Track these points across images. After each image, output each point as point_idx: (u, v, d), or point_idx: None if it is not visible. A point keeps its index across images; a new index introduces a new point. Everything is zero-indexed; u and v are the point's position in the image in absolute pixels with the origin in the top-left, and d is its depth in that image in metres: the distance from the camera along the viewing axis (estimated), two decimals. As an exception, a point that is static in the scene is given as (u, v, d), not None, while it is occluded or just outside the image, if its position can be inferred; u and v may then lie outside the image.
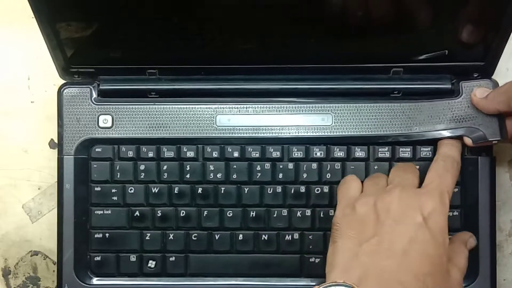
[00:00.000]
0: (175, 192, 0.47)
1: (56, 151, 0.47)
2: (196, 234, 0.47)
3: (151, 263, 0.47)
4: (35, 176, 0.51)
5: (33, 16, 0.42)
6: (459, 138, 0.45)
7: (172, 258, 0.47)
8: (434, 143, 0.46)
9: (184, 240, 0.47)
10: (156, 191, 0.47)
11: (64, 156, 0.47)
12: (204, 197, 0.47)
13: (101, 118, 0.47)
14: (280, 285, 0.47)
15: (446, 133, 0.45)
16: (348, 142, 0.46)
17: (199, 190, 0.47)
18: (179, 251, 0.47)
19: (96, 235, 0.47)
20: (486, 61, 0.45)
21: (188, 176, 0.47)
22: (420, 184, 0.42)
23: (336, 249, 0.38)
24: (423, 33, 0.44)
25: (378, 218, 0.38)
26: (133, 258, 0.47)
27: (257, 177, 0.47)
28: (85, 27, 0.44)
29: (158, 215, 0.47)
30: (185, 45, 0.45)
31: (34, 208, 0.52)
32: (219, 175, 0.47)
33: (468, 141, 0.45)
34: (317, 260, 0.46)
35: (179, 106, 0.47)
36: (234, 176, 0.47)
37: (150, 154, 0.47)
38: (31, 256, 0.52)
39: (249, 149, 0.47)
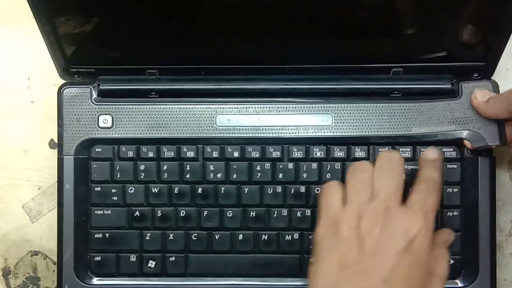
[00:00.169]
0: (175, 192, 0.47)
1: (56, 151, 0.47)
2: (196, 234, 0.47)
3: (151, 263, 0.47)
4: (35, 176, 0.51)
5: (34, 17, 0.42)
6: (458, 140, 0.45)
7: (172, 258, 0.47)
8: (433, 143, 0.46)
9: (184, 240, 0.47)
10: (156, 191, 0.47)
11: (64, 156, 0.47)
12: (204, 197, 0.47)
13: (101, 118, 0.47)
14: (280, 285, 0.47)
15: (445, 135, 0.45)
16: (348, 142, 0.46)
17: (199, 190, 0.47)
18: (179, 251, 0.47)
19: (96, 235, 0.47)
20: (486, 61, 0.45)
21: (188, 176, 0.47)
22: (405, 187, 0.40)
23: (318, 270, 0.38)
24: (423, 33, 0.44)
25: (362, 244, 0.37)
26: (133, 258, 0.47)
27: (257, 177, 0.47)
28: (85, 27, 0.44)
29: (158, 215, 0.47)
30: (185, 45, 0.45)
31: (34, 208, 0.52)
32: (219, 175, 0.47)
33: (467, 144, 0.45)
34: (317, 260, 0.46)
35: (179, 106, 0.47)
36: (234, 176, 0.47)
37: (150, 154, 0.47)
38: (31, 256, 0.52)
39: (249, 149, 0.47)
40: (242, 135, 0.46)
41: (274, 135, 0.46)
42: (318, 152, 0.47)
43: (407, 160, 0.46)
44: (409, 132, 0.46)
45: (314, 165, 0.46)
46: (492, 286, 0.45)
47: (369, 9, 0.42)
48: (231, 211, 0.47)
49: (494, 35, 0.43)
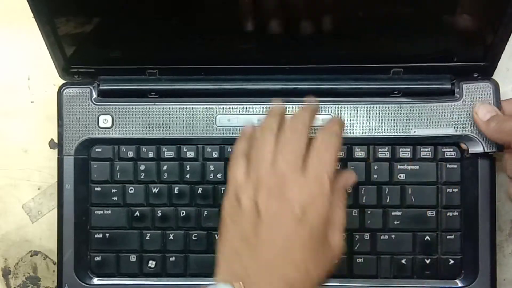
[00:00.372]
0: (175, 192, 0.47)
1: (56, 151, 0.47)
2: (196, 234, 0.47)
3: (151, 263, 0.47)
4: (35, 176, 0.51)
5: (33, 17, 0.42)
6: (457, 144, 0.45)
7: (172, 258, 0.47)
8: (433, 144, 0.46)
9: (184, 240, 0.47)
10: (156, 191, 0.47)
11: (64, 156, 0.47)
12: (204, 197, 0.47)
13: (101, 118, 0.47)
14: (280, 285, 0.47)
15: (444, 139, 0.45)
16: (348, 142, 0.46)
17: (199, 190, 0.47)
18: (179, 251, 0.47)
19: (96, 235, 0.47)
20: (486, 61, 0.45)
21: (188, 176, 0.47)
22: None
23: (221, 244, 0.39)
24: (423, 33, 0.44)
25: (259, 215, 0.37)
26: (133, 258, 0.47)
27: (257, 177, 0.47)
28: (85, 27, 0.44)
29: (158, 215, 0.47)
30: (185, 45, 0.45)
31: (34, 208, 0.52)
32: (219, 175, 0.47)
33: (465, 148, 0.45)
34: (317, 260, 0.46)
35: (179, 106, 0.47)
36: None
37: (150, 154, 0.47)
38: (31, 256, 0.52)
39: (249, 149, 0.47)
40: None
41: None
42: (318, 152, 0.46)
43: (406, 160, 0.46)
44: (408, 133, 0.46)
45: (314, 165, 0.46)
46: (492, 286, 0.45)
47: (369, 9, 0.42)
48: (231, 211, 0.47)
49: (494, 34, 0.43)
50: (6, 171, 0.51)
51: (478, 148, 0.45)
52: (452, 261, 0.46)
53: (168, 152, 0.47)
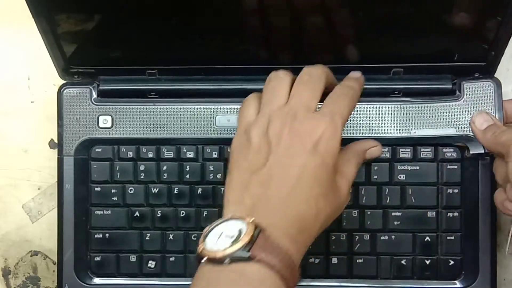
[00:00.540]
0: (175, 192, 0.47)
1: (56, 151, 0.47)
2: (195, 234, 0.47)
3: (151, 263, 0.47)
4: (35, 176, 0.51)
5: (32, 17, 0.42)
6: (457, 144, 0.45)
7: (172, 258, 0.47)
8: (434, 143, 0.46)
9: (184, 240, 0.47)
10: (156, 191, 0.47)
11: (64, 156, 0.47)
12: (203, 197, 0.47)
13: (101, 118, 0.47)
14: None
15: (444, 139, 0.45)
16: (347, 142, 0.46)
17: (199, 191, 0.47)
18: (179, 251, 0.47)
19: (96, 235, 0.47)
20: (487, 61, 0.45)
21: (187, 176, 0.47)
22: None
23: (230, 181, 0.38)
24: (424, 33, 0.44)
25: (270, 148, 0.37)
26: (133, 258, 0.47)
27: (257, 177, 0.46)
28: (84, 27, 0.44)
29: (158, 215, 0.47)
30: (185, 45, 0.45)
31: (34, 208, 0.52)
32: (218, 176, 0.47)
33: (465, 148, 0.45)
34: (317, 261, 0.46)
35: (179, 106, 0.47)
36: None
37: (150, 155, 0.47)
38: (31, 256, 0.52)
39: (249, 149, 0.46)
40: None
41: None
42: (318, 153, 0.46)
43: (406, 161, 0.46)
44: (408, 134, 0.46)
45: (314, 166, 0.46)
46: (492, 286, 0.45)
47: (369, 9, 0.42)
48: (231, 212, 0.47)
49: (495, 34, 0.43)
50: (6, 171, 0.51)
51: (479, 149, 0.45)
52: (452, 262, 0.46)
53: (167, 153, 0.47)
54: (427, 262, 0.46)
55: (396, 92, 0.46)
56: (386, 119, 0.46)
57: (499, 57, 0.44)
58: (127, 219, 0.47)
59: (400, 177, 0.46)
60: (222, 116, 0.46)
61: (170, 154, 0.47)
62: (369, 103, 0.46)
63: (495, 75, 0.46)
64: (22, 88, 0.51)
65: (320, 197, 0.37)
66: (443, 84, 0.46)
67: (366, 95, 0.46)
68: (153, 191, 0.47)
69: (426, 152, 0.46)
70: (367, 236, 0.46)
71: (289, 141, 0.37)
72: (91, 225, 0.47)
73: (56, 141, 0.48)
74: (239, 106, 0.46)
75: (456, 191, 0.46)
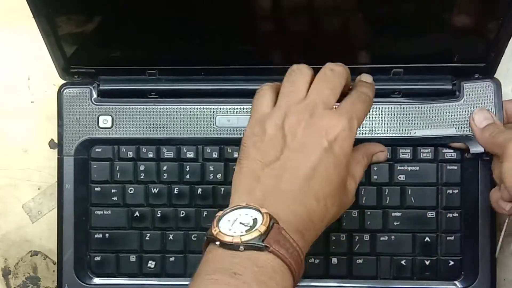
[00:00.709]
0: (175, 192, 0.47)
1: (56, 151, 0.47)
2: (195, 235, 0.47)
3: (151, 263, 0.47)
4: (35, 176, 0.51)
5: (33, 16, 0.42)
6: (455, 146, 0.45)
7: (172, 258, 0.47)
8: (434, 144, 0.46)
9: (184, 240, 0.47)
10: (156, 191, 0.47)
11: (64, 156, 0.47)
12: (203, 198, 0.47)
13: (101, 118, 0.47)
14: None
15: (445, 139, 0.45)
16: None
17: (199, 191, 0.47)
18: (179, 251, 0.47)
19: (96, 235, 0.47)
20: (487, 62, 0.45)
21: (187, 176, 0.47)
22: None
23: (241, 170, 0.38)
24: (423, 34, 0.44)
25: (285, 142, 0.37)
26: (133, 258, 0.47)
27: (257, 177, 0.46)
28: (85, 27, 0.44)
29: (158, 215, 0.47)
30: (185, 46, 0.45)
31: (34, 208, 0.52)
32: (218, 176, 0.47)
33: (467, 148, 0.45)
34: (317, 261, 0.46)
35: (179, 107, 0.47)
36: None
37: (150, 155, 0.47)
38: (31, 256, 0.52)
39: (249, 149, 0.46)
40: (241, 135, 0.46)
41: None
42: (318, 153, 0.46)
43: (406, 161, 0.46)
44: (408, 134, 0.46)
45: (314, 166, 0.46)
46: (492, 286, 0.45)
47: (369, 9, 0.42)
48: (231, 212, 0.47)
49: (495, 35, 0.43)
50: (6, 171, 0.51)
51: (479, 149, 0.45)
52: (452, 262, 0.46)
53: (168, 153, 0.47)
54: (427, 262, 0.46)
55: (396, 93, 0.46)
56: (386, 120, 0.46)
57: (499, 57, 0.44)
58: (127, 219, 0.47)
59: (400, 177, 0.46)
60: (222, 116, 0.46)
61: (170, 154, 0.47)
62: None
63: (496, 75, 0.45)
64: (22, 88, 0.51)
65: (330, 196, 0.37)
66: (443, 84, 0.46)
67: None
68: (153, 191, 0.47)
69: (426, 153, 0.46)
70: (367, 237, 0.46)
71: (305, 136, 0.37)
72: (91, 225, 0.47)
73: (56, 141, 0.48)
74: (239, 106, 0.46)
75: (456, 191, 0.46)
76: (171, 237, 0.47)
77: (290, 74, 0.40)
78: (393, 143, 0.46)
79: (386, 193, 0.46)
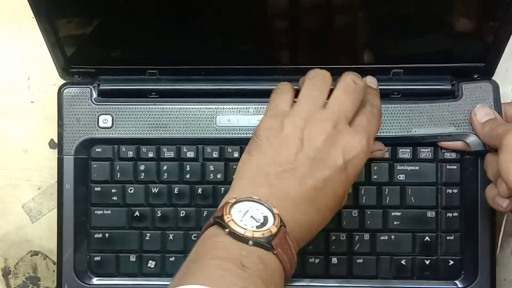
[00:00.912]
0: (175, 192, 0.47)
1: (56, 151, 0.47)
2: (195, 235, 0.47)
3: (151, 263, 0.47)
4: (35, 176, 0.51)
5: (33, 16, 0.42)
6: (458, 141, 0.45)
7: (172, 258, 0.47)
8: (433, 144, 0.46)
9: (184, 240, 0.47)
10: (156, 191, 0.47)
11: (64, 156, 0.47)
12: (203, 197, 0.47)
13: (101, 118, 0.47)
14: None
15: (445, 137, 0.45)
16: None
17: (199, 190, 0.47)
18: (179, 251, 0.47)
19: (96, 235, 0.47)
20: (486, 62, 0.45)
21: (188, 176, 0.47)
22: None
23: (250, 161, 0.38)
24: (423, 34, 0.44)
25: (302, 147, 0.37)
26: (132, 258, 0.47)
27: (257, 177, 0.47)
28: (85, 27, 0.44)
29: (158, 215, 0.47)
30: (185, 46, 0.45)
31: (34, 208, 0.52)
32: (218, 176, 0.47)
33: (466, 146, 0.45)
34: (317, 261, 0.46)
35: (179, 106, 0.47)
36: (234, 176, 0.46)
37: (150, 154, 0.47)
38: (31, 256, 0.52)
39: (249, 149, 0.46)
40: (242, 135, 0.46)
41: None
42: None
43: (406, 161, 0.46)
44: (408, 133, 0.46)
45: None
46: (492, 286, 0.45)
47: (369, 9, 0.42)
48: (231, 211, 0.47)
49: (494, 35, 0.43)
50: (6, 171, 0.51)
51: (480, 147, 0.44)
52: (452, 262, 0.46)
53: (168, 152, 0.47)
54: (427, 262, 0.46)
55: (396, 93, 0.46)
56: (386, 118, 0.46)
57: (498, 57, 0.44)
58: (127, 219, 0.47)
59: (399, 177, 0.46)
60: (223, 116, 0.46)
61: (170, 154, 0.47)
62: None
63: (495, 76, 0.46)
64: (22, 88, 0.51)
65: (331, 208, 0.38)
66: (443, 85, 0.46)
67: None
68: (153, 191, 0.47)
69: (425, 152, 0.46)
70: (367, 236, 0.46)
71: (324, 149, 0.37)
72: (91, 225, 0.47)
73: (56, 141, 0.48)
74: (239, 106, 0.46)
75: (455, 191, 0.46)
76: (171, 237, 0.47)
77: (313, 77, 0.40)
78: (393, 142, 0.46)
79: (386, 193, 0.46)
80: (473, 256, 0.45)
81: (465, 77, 0.46)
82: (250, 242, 0.34)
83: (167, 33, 0.44)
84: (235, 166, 0.46)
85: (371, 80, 0.43)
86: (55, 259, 0.48)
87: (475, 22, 0.43)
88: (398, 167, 0.46)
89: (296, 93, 0.41)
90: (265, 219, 0.35)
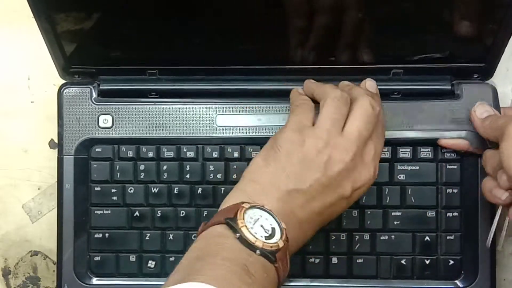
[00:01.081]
0: (175, 192, 0.47)
1: (56, 151, 0.47)
2: (195, 235, 0.47)
3: (151, 263, 0.47)
4: (35, 176, 0.51)
5: (33, 16, 0.42)
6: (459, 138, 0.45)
7: (172, 258, 0.47)
8: (433, 144, 0.46)
9: (184, 240, 0.47)
10: (156, 191, 0.47)
11: (64, 156, 0.47)
12: (203, 197, 0.47)
13: (101, 118, 0.47)
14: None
15: (446, 134, 0.45)
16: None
17: (199, 190, 0.47)
18: (179, 251, 0.47)
19: (96, 235, 0.47)
20: (486, 62, 0.45)
21: (188, 176, 0.47)
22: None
23: (266, 169, 0.39)
24: (423, 34, 0.44)
25: (318, 172, 0.38)
26: (132, 258, 0.47)
27: (257, 177, 0.46)
28: (85, 27, 0.44)
29: (158, 215, 0.47)
30: (185, 46, 0.45)
31: (34, 208, 0.52)
32: (218, 175, 0.47)
33: (467, 144, 0.45)
34: (317, 261, 0.46)
35: (179, 106, 0.47)
36: (234, 176, 0.46)
37: (150, 154, 0.47)
38: (31, 256, 0.52)
39: (249, 149, 0.47)
40: (242, 135, 0.46)
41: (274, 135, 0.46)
42: (318, 152, 0.46)
43: (406, 161, 0.46)
44: (410, 128, 0.45)
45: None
46: (492, 286, 0.46)
47: (369, 9, 0.42)
48: (231, 211, 0.47)
49: (494, 35, 0.43)
50: (6, 171, 0.51)
51: (481, 144, 0.44)
52: (452, 262, 0.46)
53: (168, 152, 0.47)
54: (427, 262, 0.46)
55: (396, 93, 0.46)
56: (387, 116, 0.45)
57: (498, 57, 0.44)
58: (127, 219, 0.47)
59: (400, 177, 0.46)
60: (222, 116, 0.46)
61: (170, 154, 0.47)
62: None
63: (495, 75, 0.46)
64: (22, 88, 0.51)
65: (323, 226, 0.40)
66: (442, 85, 0.46)
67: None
68: (153, 191, 0.47)
69: (425, 152, 0.46)
70: (367, 236, 0.46)
71: (338, 178, 0.39)
72: (91, 225, 0.47)
73: (56, 141, 0.48)
74: (239, 105, 0.46)
75: (455, 191, 0.46)
76: (171, 237, 0.47)
77: (338, 100, 0.40)
78: (393, 139, 0.46)
79: (386, 193, 0.46)
80: (473, 256, 0.46)
81: (465, 77, 0.46)
82: (258, 251, 0.35)
83: (167, 33, 0.44)
84: (235, 166, 0.46)
85: (370, 84, 0.43)
86: (55, 259, 0.48)
87: (475, 22, 0.43)
88: (398, 167, 0.46)
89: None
90: (273, 230, 0.36)
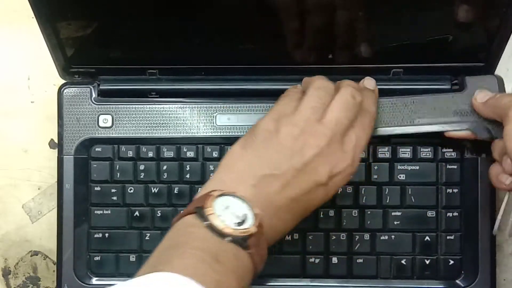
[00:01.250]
0: (175, 192, 0.47)
1: (56, 151, 0.47)
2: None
3: (151, 263, 0.47)
4: (35, 176, 0.51)
5: (33, 16, 0.42)
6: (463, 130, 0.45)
7: (172, 258, 0.47)
8: (434, 143, 0.46)
9: (184, 240, 0.47)
10: (156, 191, 0.47)
11: (64, 156, 0.47)
12: (204, 197, 0.47)
13: (101, 118, 0.47)
14: (280, 285, 0.47)
15: (450, 126, 0.44)
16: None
17: (199, 190, 0.47)
18: (179, 251, 0.47)
19: (96, 235, 0.47)
20: (486, 61, 0.45)
21: (188, 176, 0.47)
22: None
23: (242, 157, 0.39)
24: (423, 34, 0.44)
25: (292, 155, 0.38)
26: (132, 258, 0.47)
27: (257, 177, 0.46)
28: (85, 27, 0.44)
29: (158, 215, 0.47)
30: (185, 45, 0.45)
31: (34, 208, 0.52)
32: (219, 175, 0.47)
33: (473, 135, 0.44)
34: (317, 261, 0.46)
35: (179, 106, 0.47)
36: (234, 176, 0.46)
37: (150, 154, 0.47)
38: (31, 256, 0.52)
39: (249, 149, 0.46)
40: (242, 134, 0.46)
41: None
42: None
43: (406, 160, 0.46)
44: (411, 123, 0.45)
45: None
46: (492, 286, 0.45)
47: (369, 9, 0.42)
48: (231, 211, 0.47)
49: (494, 35, 0.43)
50: (6, 171, 0.51)
51: (486, 134, 0.43)
52: (452, 262, 0.46)
53: (168, 152, 0.47)
54: (427, 261, 0.46)
55: (396, 93, 0.46)
56: (387, 114, 0.45)
57: (498, 57, 0.44)
58: (127, 219, 0.47)
59: (400, 177, 0.46)
60: (222, 115, 0.46)
61: (170, 154, 0.47)
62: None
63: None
64: (22, 88, 0.51)
65: (304, 217, 0.39)
66: (442, 85, 0.46)
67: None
68: (153, 191, 0.47)
69: (426, 152, 0.46)
70: (367, 236, 0.46)
71: (312, 163, 0.38)
72: (91, 225, 0.47)
73: (56, 141, 0.48)
74: (239, 105, 0.46)
75: (455, 191, 0.46)
76: (171, 237, 0.47)
77: (319, 88, 0.40)
78: (393, 141, 0.46)
79: (386, 193, 0.46)
80: (473, 256, 0.45)
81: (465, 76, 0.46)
82: (228, 238, 0.34)
83: (167, 33, 0.44)
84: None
85: (369, 82, 0.43)
86: (55, 259, 0.48)
87: (475, 21, 0.43)
88: (398, 167, 0.46)
89: None
90: (244, 216, 0.35)
